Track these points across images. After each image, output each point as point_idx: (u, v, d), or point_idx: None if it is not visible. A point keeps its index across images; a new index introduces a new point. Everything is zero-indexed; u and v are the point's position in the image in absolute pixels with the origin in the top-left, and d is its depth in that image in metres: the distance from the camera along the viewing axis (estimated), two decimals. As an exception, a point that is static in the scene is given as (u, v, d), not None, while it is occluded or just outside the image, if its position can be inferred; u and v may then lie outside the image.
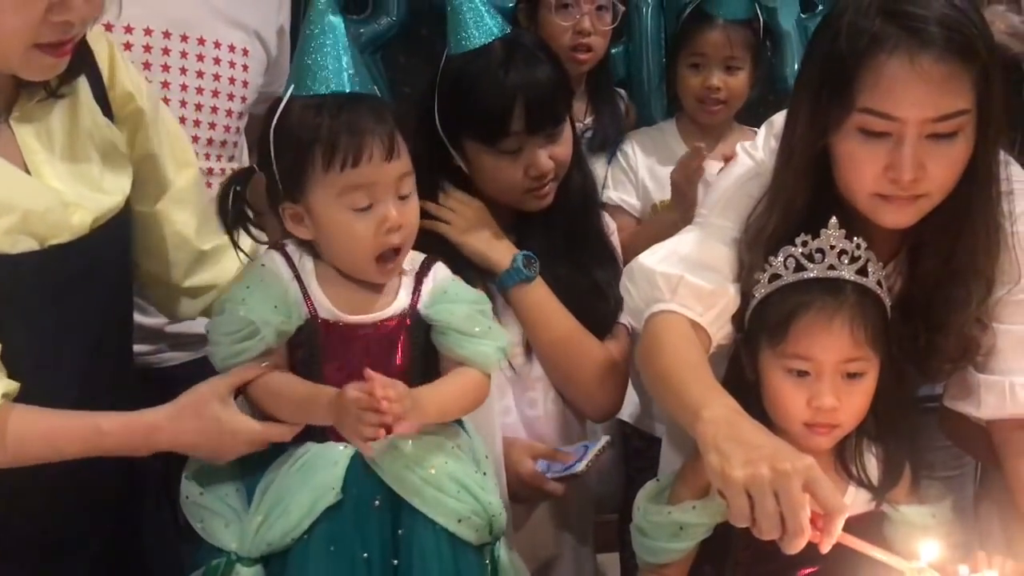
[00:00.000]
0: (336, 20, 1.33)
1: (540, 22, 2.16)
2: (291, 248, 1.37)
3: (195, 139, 1.66)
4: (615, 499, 2.34)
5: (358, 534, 1.30)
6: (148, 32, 1.63)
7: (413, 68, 2.56)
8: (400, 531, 1.31)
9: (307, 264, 1.36)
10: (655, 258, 1.48)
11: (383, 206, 1.30)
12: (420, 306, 1.37)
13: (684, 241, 1.51)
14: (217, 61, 1.68)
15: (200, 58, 1.66)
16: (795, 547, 1.15)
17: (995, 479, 1.61)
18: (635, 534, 1.50)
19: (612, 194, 2.21)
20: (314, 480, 1.30)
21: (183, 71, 1.65)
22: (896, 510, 1.42)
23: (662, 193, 2.17)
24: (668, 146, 2.22)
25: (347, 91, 1.31)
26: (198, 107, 1.66)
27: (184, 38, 1.66)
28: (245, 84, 1.73)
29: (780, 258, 1.40)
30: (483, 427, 1.50)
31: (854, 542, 1.24)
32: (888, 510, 1.43)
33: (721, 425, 1.21)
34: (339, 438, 1.31)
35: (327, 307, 1.33)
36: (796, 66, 2.61)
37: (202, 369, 1.72)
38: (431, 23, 2.54)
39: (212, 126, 1.68)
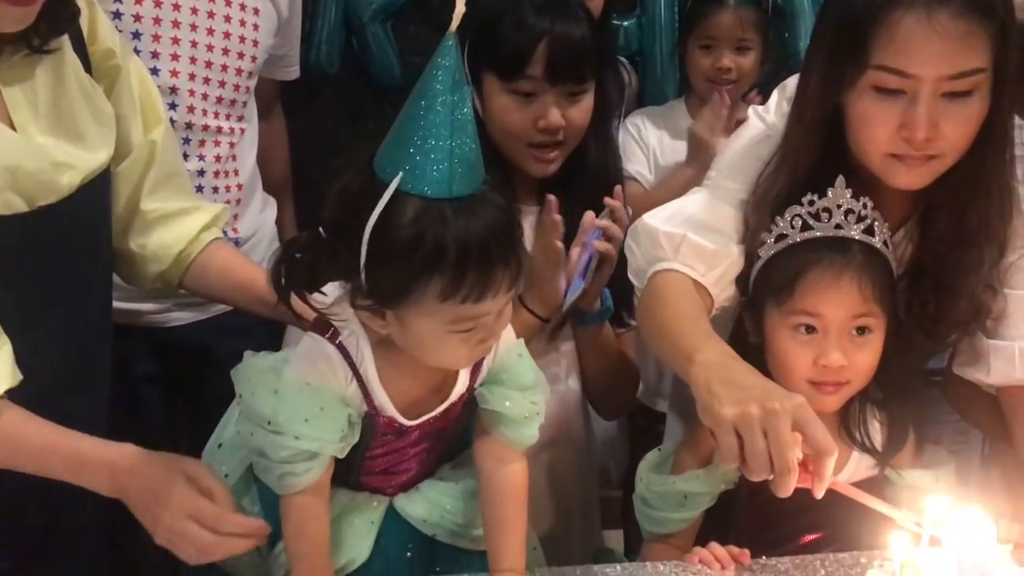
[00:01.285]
0: (464, 93, 1.10)
1: None
2: (347, 337, 1.20)
3: (204, 96, 1.66)
4: (620, 475, 2.35)
5: None
6: None
7: (424, 37, 2.54)
8: (438, 568, 1.32)
9: (365, 352, 1.21)
10: (659, 218, 1.48)
11: (484, 327, 1.16)
12: (477, 383, 1.28)
13: (690, 202, 1.50)
14: (228, 19, 1.68)
15: (211, 15, 1.66)
16: (785, 488, 1.14)
17: (1001, 451, 1.61)
18: (639, 505, 1.50)
19: (627, 166, 2.19)
20: (346, 539, 1.28)
21: (193, 27, 1.64)
22: (899, 474, 1.43)
23: (672, 168, 2.20)
24: (677, 124, 2.23)
25: (466, 192, 1.10)
26: (208, 64, 1.65)
27: None
28: (255, 43, 1.72)
29: (787, 218, 1.40)
30: None
31: (852, 491, 1.24)
32: (891, 474, 1.43)
33: (714, 368, 1.21)
34: (372, 490, 1.30)
35: (389, 409, 1.23)
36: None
37: (209, 330, 1.75)
38: (442, -7, 2.54)
39: (222, 84, 1.68)
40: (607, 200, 1.58)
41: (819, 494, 1.19)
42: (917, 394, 1.51)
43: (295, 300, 1.19)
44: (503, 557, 1.28)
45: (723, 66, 2.15)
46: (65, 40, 1.29)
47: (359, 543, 1.29)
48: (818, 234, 1.37)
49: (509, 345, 1.29)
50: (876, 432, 1.45)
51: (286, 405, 1.18)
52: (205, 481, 1.19)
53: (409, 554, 1.32)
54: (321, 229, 1.16)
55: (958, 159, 1.34)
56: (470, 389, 1.27)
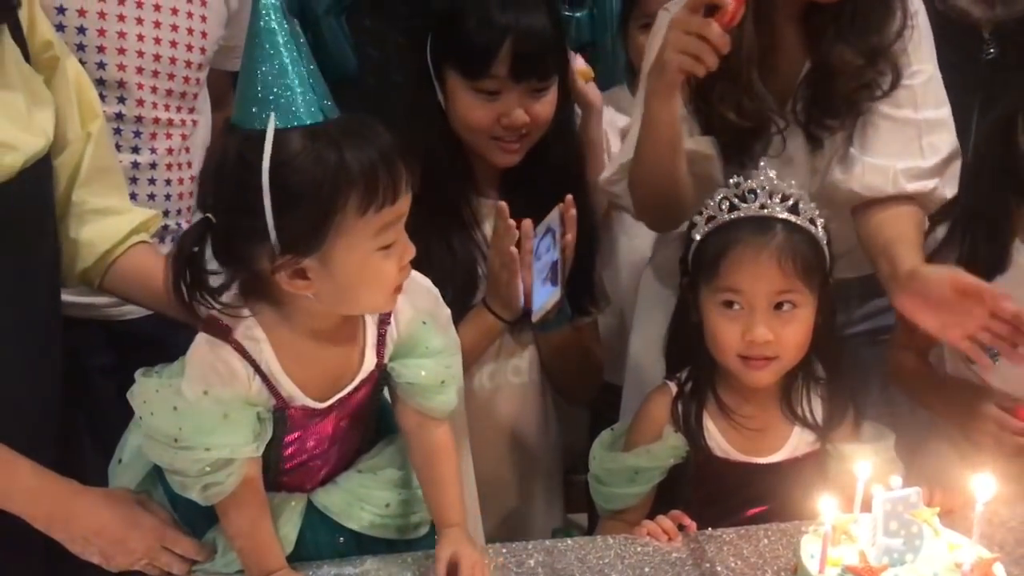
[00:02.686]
0: (296, 25, 1.14)
1: None
2: (242, 335, 1.18)
3: (154, 89, 1.66)
4: (584, 458, 2.38)
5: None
6: None
7: (378, 31, 2.54)
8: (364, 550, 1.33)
9: (264, 346, 1.19)
10: None
11: (401, 240, 1.16)
12: (386, 358, 1.27)
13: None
14: (175, 12, 1.67)
15: (156, 8, 1.64)
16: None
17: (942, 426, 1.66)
18: (593, 483, 1.55)
19: None
20: None
21: (139, 21, 1.63)
22: (838, 449, 1.47)
23: (628, 152, 2.19)
24: (620, 106, 2.25)
25: (335, 114, 1.13)
26: (156, 57, 1.65)
27: None
28: (204, 35, 1.72)
29: (716, 199, 1.45)
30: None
31: None
32: (831, 449, 1.48)
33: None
34: (291, 488, 1.30)
35: (298, 396, 1.22)
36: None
37: (163, 322, 1.75)
38: (396, -15, 2.54)
39: (171, 77, 1.67)
40: (560, 206, 1.56)
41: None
42: (852, 364, 1.56)
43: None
44: (443, 514, 1.31)
45: None
46: (4, 30, 1.30)
47: (284, 543, 1.28)
48: (742, 214, 1.43)
49: (411, 316, 1.28)
50: (818, 408, 1.50)
51: (188, 419, 1.16)
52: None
53: (342, 539, 1.33)
54: (209, 216, 1.14)
55: None
56: (379, 366, 1.27)
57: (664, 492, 1.52)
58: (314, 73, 1.13)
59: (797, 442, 1.49)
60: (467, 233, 1.64)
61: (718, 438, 1.48)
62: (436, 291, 1.38)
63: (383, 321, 1.27)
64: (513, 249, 1.56)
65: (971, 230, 1.60)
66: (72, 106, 1.41)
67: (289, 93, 1.09)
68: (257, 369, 1.19)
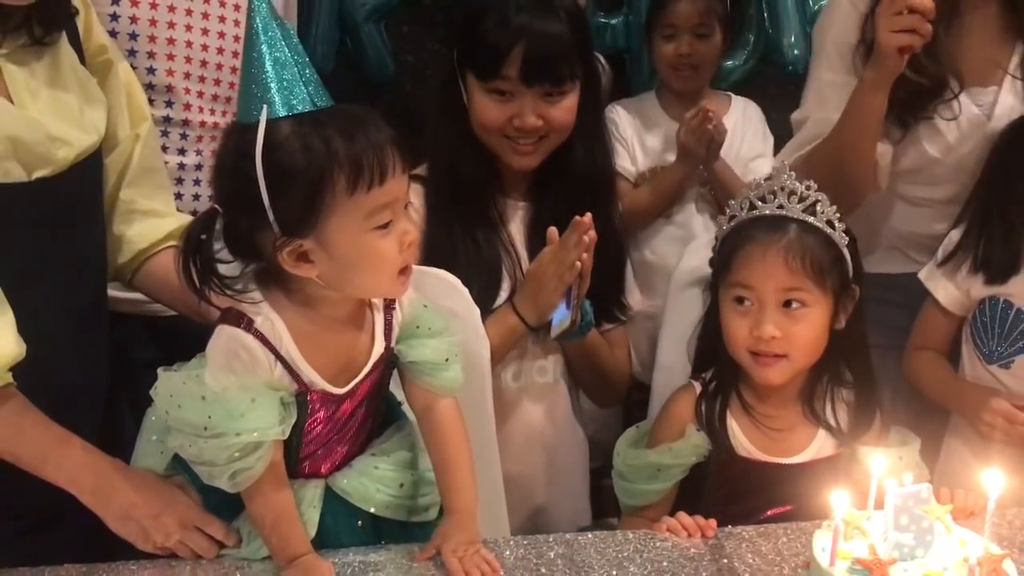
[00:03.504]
0: (287, 26, 1.20)
1: None
2: (261, 323, 1.22)
3: (200, 94, 1.72)
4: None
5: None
6: None
7: (415, 37, 2.61)
8: (383, 541, 1.36)
9: (283, 333, 1.23)
10: None
11: (400, 221, 1.21)
12: (393, 342, 1.32)
13: None
14: (221, 19, 1.73)
15: (205, 16, 1.70)
16: None
17: (960, 425, 1.69)
18: (616, 479, 1.58)
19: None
20: None
21: (188, 28, 1.69)
22: (862, 453, 1.48)
23: (650, 160, 2.30)
24: (649, 115, 2.34)
25: (327, 104, 1.19)
26: (203, 63, 1.71)
27: None
28: (236, 39, 1.74)
29: (738, 200, 1.49)
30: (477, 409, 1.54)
31: None
32: (855, 452, 1.49)
33: None
34: (310, 474, 1.32)
35: (317, 381, 1.26)
36: (793, 37, 2.66)
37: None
38: (433, -7, 2.60)
39: (217, 82, 1.73)
40: (576, 219, 1.57)
41: None
42: (878, 369, 1.57)
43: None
44: (452, 497, 1.34)
45: (683, 52, 2.25)
46: (63, 35, 1.38)
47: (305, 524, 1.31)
48: (759, 213, 1.46)
49: (412, 299, 1.34)
50: (843, 412, 1.51)
51: (218, 406, 1.20)
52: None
53: (360, 523, 1.36)
54: (216, 207, 1.21)
55: None
56: (388, 350, 1.32)
57: (686, 490, 1.54)
58: (305, 66, 1.19)
59: (821, 444, 1.51)
60: (493, 231, 1.66)
61: (741, 437, 1.51)
62: (465, 290, 1.43)
63: (388, 307, 1.32)
64: (579, 265, 1.57)
65: (986, 233, 1.63)
66: (123, 107, 1.48)
67: (279, 85, 1.16)
68: (277, 355, 1.23)
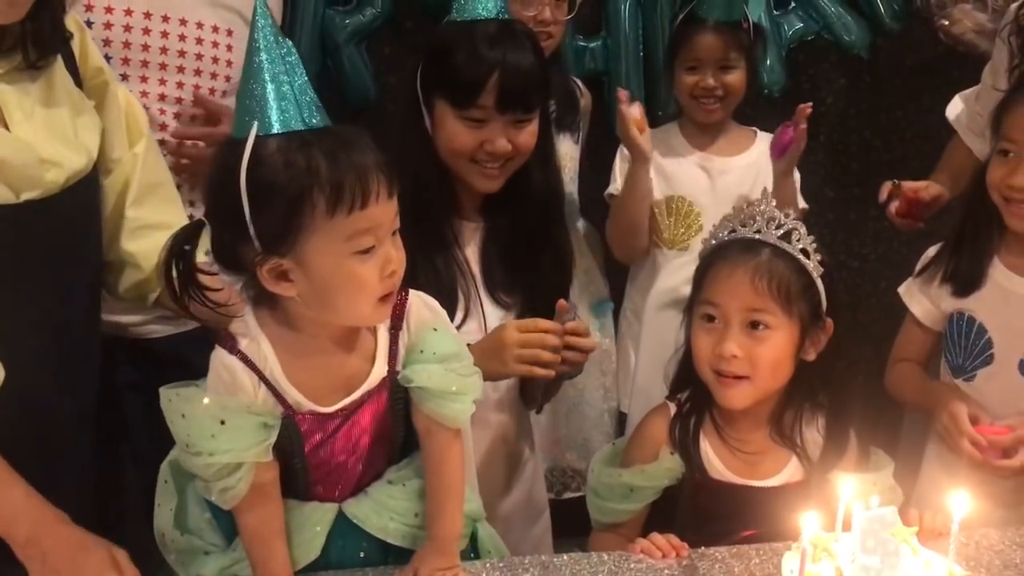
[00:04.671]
0: (287, 44, 1.21)
1: None
2: (246, 344, 1.23)
3: (177, 115, 1.73)
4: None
5: None
6: (128, 13, 1.69)
7: (398, 59, 2.61)
8: (389, 560, 1.36)
9: (268, 355, 1.23)
10: None
11: (384, 247, 1.19)
12: (398, 364, 1.30)
13: None
14: (199, 41, 1.74)
15: (182, 38, 1.72)
16: None
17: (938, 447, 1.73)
18: (589, 495, 1.59)
19: (620, 187, 2.28)
20: (295, 540, 1.31)
21: (163, 50, 1.70)
22: (834, 479, 1.46)
23: (671, 188, 2.28)
24: (671, 145, 2.31)
25: (320, 125, 1.19)
26: (179, 85, 1.72)
27: (165, 19, 1.72)
28: (229, 64, 1.79)
29: (721, 224, 1.52)
30: None
31: None
32: (828, 479, 1.48)
33: None
34: (323, 497, 1.32)
35: (303, 403, 1.26)
36: (769, 62, 2.69)
37: (187, 342, 1.80)
38: (415, 15, 2.60)
39: (194, 104, 1.74)
40: (560, 303, 1.62)
41: None
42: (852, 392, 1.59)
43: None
44: (438, 524, 1.34)
45: (707, 85, 2.21)
46: (58, 58, 1.39)
47: (307, 547, 1.32)
48: (737, 236, 1.49)
49: (423, 321, 1.32)
50: (816, 439, 1.51)
51: (194, 426, 1.22)
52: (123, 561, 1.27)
53: (362, 554, 1.36)
54: (200, 219, 1.21)
55: None
56: (391, 373, 1.31)
57: (659, 509, 1.55)
58: (302, 87, 1.19)
59: (795, 469, 1.51)
60: (450, 253, 1.70)
61: (714, 459, 1.52)
62: (443, 312, 1.44)
63: (395, 327, 1.31)
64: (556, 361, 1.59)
65: (958, 251, 1.68)
66: (120, 127, 1.49)
67: (271, 102, 1.16)
68: (262, 377, 1.24)
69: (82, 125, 1.41)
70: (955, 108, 2.18)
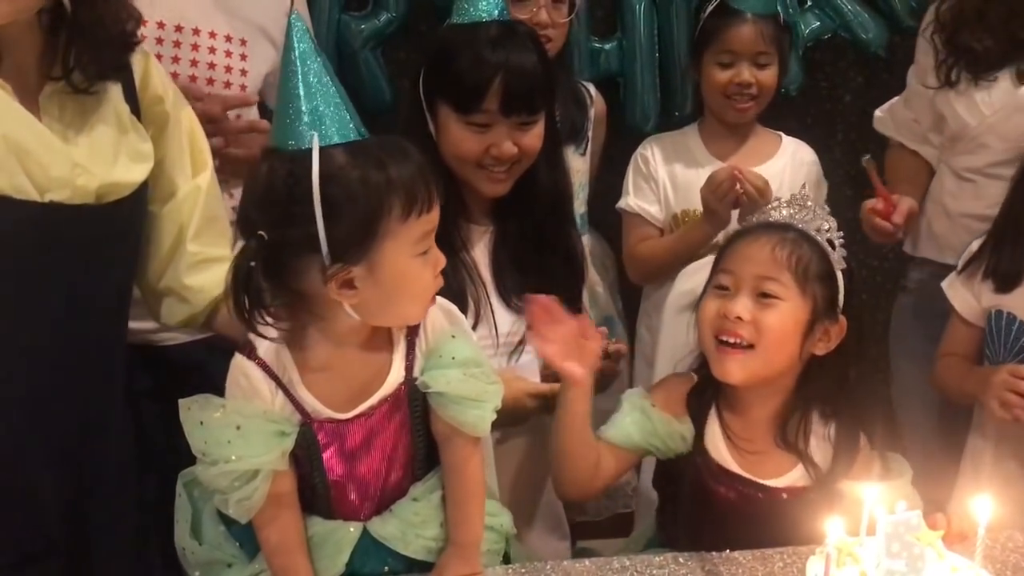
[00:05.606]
0: (323, 59, 1.22)
1: None
2: (265, 352, 1.26)
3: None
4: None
5: None
6: (142, 23, 1.65)
7: (413, 63, 2.59)
8: (413, 569, 1.36)
9: (287, 362, 1.26)
10: None
11: (434, 249, 1.25)
12: (416, 371, 1.31)
13: None
14: (212, 51, 1.74)
15: (194, 48, 1.72)
16: None
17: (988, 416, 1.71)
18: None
19: (632, 201, 2.18)
20: (318, 556, 1.31)
21: (175, 60, 1.70)
22: (848, 488, 1.43)
23: (685, 201, 2.12)
24: (690, 151, 2.17)
25: (363, 135, 1.21)
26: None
27: (178, 28, 1.72)
28: (244, 73, 1.79)
29: (756, 214, 1.54)
30: None
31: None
32: (841, 487, 1.45)
33: None
34: (347, 516, 1.33)
35: (319, 410, 1.27)
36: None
37: (200, 349, 1.80)
38: (430, 19, 2.60)
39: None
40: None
41: None
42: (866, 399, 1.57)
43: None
44: (459, 530, 1.34)
45: (744, 80, 2.05)
46: (113, 85, 1.38)
47: (330, 563, 1.32)
48: (769, 218, 1.50)
49: (440, 327, 1.33)
50: (819, 449, 1.49)
51: (210, 432, 1.23)
52: None
53: (386, 568, 1.36)
54: (261, 234, 1.19)
55: None
56: (408, 380, 1.31)
57: (666, 498, 1.57)
58: (345, 96, 1.22)
59: (800, 475, 1.49)
60: (458, 258, 1.68)
61: (720, 446, 1.50)
62: (461, 316, 1.43)
63: (412, 332, 1.32)
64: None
65: (1001, 246, 1.68)
66: (183, 156, 1.49)
67: (328, 113, 1.19)
68: (280, 384, 1.25)
69: (129, 154, 1.39)
70: (886, 123, 2.18)
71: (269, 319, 1.23)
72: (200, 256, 1.49)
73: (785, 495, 1.48)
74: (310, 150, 1.17)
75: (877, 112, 2.22)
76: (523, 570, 1.41)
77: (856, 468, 1.49)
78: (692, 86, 2.34)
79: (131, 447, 1.61)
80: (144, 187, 1.42)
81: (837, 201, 2.50)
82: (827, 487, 1.46)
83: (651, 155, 2.18)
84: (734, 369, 1.45)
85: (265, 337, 1.25)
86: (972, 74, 1.88)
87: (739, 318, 1.43)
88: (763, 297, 1.44)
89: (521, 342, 1.70)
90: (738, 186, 1.91)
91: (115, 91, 1.39)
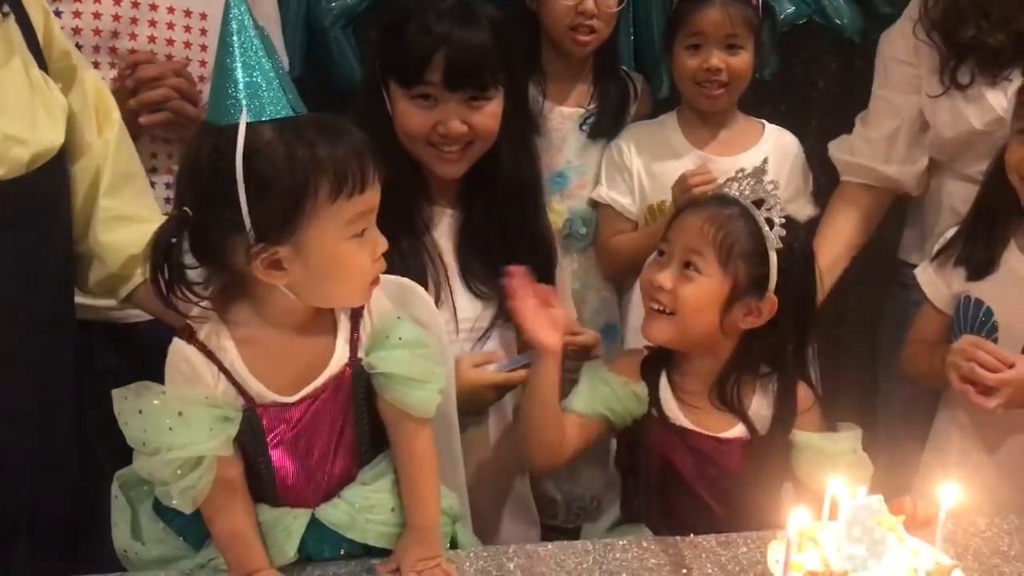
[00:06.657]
0: (262, 27, 1.19)
1: (543, 1, 2.05)
2: (205, 335, 1.23)
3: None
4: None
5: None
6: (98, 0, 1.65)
7: (381, 42, 2.58)
8: (374, 562, 1.34)
9: (227, 347, 1.22)
10: None
11: (373, 231, 1.22)
12: (360, 352, 1.29)
13: None
14: (171, 26, 1.71)
15: (152, 23, 1.68)
16: None
17: (955, 398, 1.72)
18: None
19: (604, 192, 2.11)
20: (268, 547, 1.30)
21: (132, 36, 1.67)
22: (800, 436, 1.54)
23: (661, 192, 2.06)
24: (668, 141, 2.11)
25: (298, 112, 1.18)
26: (151, 71, 1.68)
27: (135, 4, 1.68)
28: (203, 48, 1.75)
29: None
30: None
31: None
32: (794, 437, 1.54)
33: None
34: (294, 503, 1.30)
35: (263, 394, 1.24)
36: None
37: (168, 328, 1.79)
38: (401, -2, 2.58)
39: None
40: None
41: None
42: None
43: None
44: (416, 513, 1.33)
45: (712, 66, 1.99)
46: (16, 37, 1.34)
47: (280, 549, 1.30)
48: (718, 193, 1.59)
49: (384, 309, 1.32)
50: (764, 406, 1.56)
51: (150, 421, 1.19)
52: None
53: (343, 551, 1.35)
54: (185, 209, 1.17)
55: None
56: (353, 362, 1.29)
57: (627, 471, 1.62)
58: (282, 73, 1.18)
59: (743, 429, 1.55)
60: (418, 240, 1.67)
61: (671, 403, 1.56)
62: (429, 297, 1.42)
63: (356, 314, 1.29)
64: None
65: (974, 236, 1.70)
66: (89, 113, 1.46)
67: (260, 89, 1.15)
68: (222, 368, 1.22)
69: (46, 108, 1.37)
70: (845, 152, 2.11)
71: (192, 296, 1.19)
72: (113, 212, 1.46)
73: (733, 446, 1.54)
74: (236, 125, 1.13)
75: (837, 145, 2.15)
76: (485, 553, 1.40)
77: (800, 420, 1.56)
78: (667, 73, 2.27)
79: (95, 425, 1.57)
80: (64, 149, 1.39)
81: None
82: (773, 437, 1.54)
83: (626, 146, 2.12)
84: (654, 331, 1.55)
85: (183, 315, 1.22)
86: (987, 74, 1.83)
87: (661, 287, 1.51)
88: (686, 268, 1.51)
89: (487, 331, 1.69)
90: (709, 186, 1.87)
91: (19, 44, 1.35)
